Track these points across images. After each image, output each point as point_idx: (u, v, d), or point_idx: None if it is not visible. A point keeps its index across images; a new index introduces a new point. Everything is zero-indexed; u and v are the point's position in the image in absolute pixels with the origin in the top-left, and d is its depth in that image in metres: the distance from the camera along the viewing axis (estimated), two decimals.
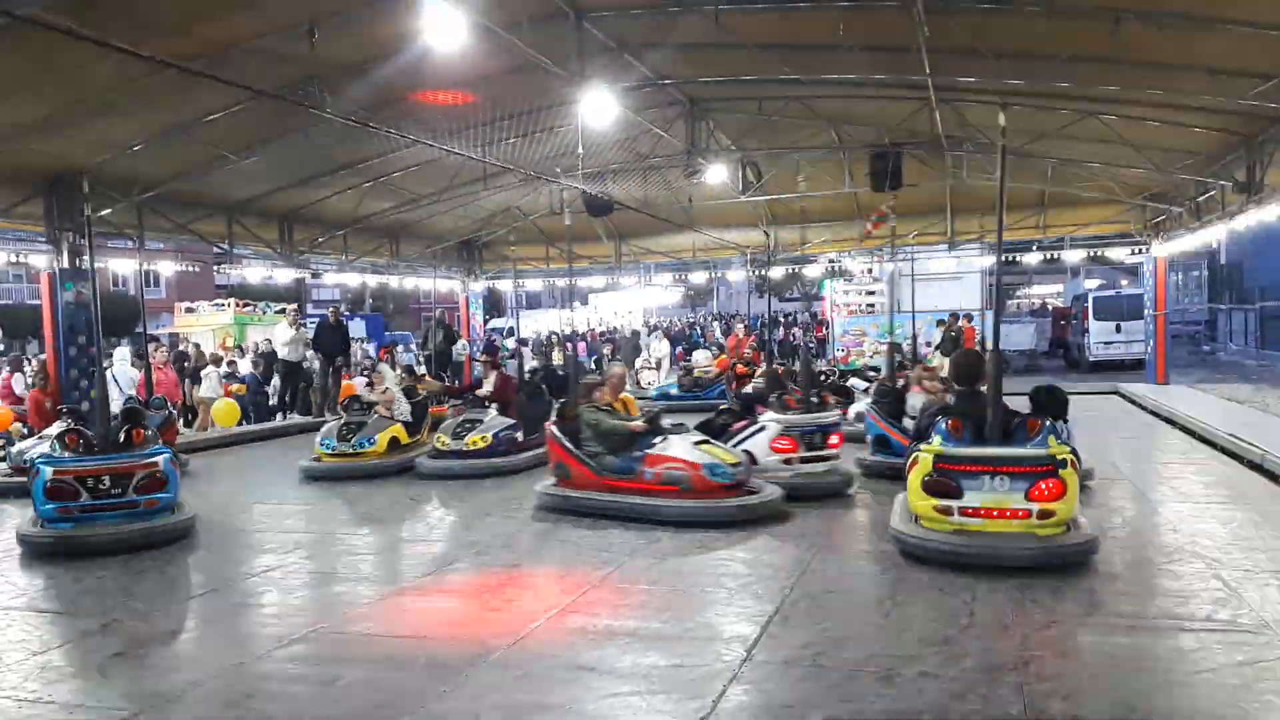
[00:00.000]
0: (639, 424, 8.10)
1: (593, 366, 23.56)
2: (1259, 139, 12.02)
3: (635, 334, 28.34)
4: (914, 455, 6.31)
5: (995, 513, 5.95)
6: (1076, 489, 6.02)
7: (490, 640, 4.89)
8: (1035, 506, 5.89)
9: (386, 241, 19.88)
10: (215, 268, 17.97)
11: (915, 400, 8.81)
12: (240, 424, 15.40)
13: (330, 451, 10.65)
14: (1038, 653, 4.51)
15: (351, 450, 10.61)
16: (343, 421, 11.08)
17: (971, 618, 5.03)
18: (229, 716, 4.14)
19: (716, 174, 14.21)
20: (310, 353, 16.27)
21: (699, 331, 33.50)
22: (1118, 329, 23.21)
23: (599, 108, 10.20)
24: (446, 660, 4.67)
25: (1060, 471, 5.85)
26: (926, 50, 9.60)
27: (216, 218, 15.49)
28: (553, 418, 8.97)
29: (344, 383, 15.85)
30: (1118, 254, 20.20)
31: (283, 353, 16.29)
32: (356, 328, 19.27)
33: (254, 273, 17.50)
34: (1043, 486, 5.88)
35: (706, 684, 4.25)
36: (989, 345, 6.76)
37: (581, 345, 28.16)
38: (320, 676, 4.58)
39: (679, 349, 27.35)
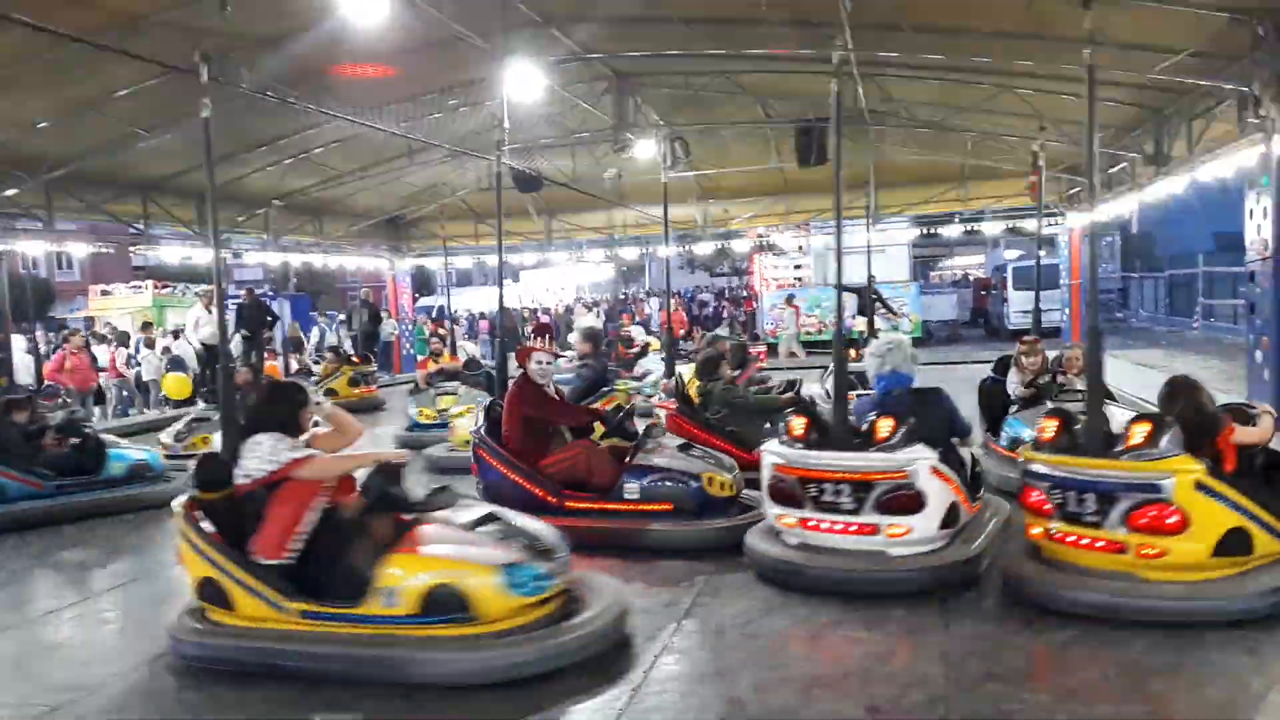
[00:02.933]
0: (789, 396, 8.09)
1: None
2: (1165, 112, 12.44)
3: (568, 309, 28.25)
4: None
5: None
6: None
7: None
8: None
9: (310, 220, 19.45)
10: (130, 249, 17.37)
11: (1013, 379, 8.48)
12: (193, 398, 15.01)
13: None
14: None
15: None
16: None
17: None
18: (149, 708, 4.08)
19: (645, 149, 14.19)
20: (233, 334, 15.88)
21: (629, 306, 33.49)
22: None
23: (524, 82, 10.10)
24: None
25: None
26: (849, 25, 9.69)
27: (131, 197, 14.99)
28: (669, 400, 8.46)
29: (268, 364, 15.52)
30: (1033, 225, 20.64)
31: (202, 335, 15.88)
32: (281, 309, 18.79)
33: (171, 253, 17.02)
34: None
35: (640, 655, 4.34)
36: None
37: (545, 317, 27.94)
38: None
39: (613, 326, 27.29)
